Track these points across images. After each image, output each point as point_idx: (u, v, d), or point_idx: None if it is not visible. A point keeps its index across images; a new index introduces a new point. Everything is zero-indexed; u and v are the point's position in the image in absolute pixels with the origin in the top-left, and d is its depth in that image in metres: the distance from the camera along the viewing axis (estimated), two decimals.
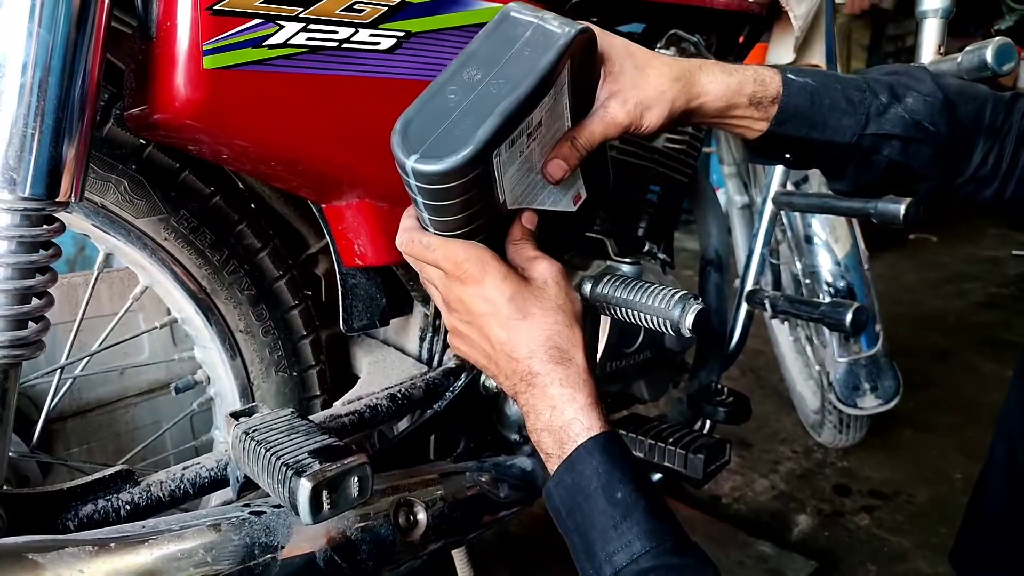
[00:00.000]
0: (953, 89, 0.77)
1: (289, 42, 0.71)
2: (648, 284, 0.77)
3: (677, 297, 0.74)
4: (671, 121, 0.73)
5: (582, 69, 0.68)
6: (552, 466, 0.68)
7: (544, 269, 0.71)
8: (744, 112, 0.75)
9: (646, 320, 0.78)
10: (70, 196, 0.64)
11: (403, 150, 0.60)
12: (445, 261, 0.68)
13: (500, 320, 0.68)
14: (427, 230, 0.70)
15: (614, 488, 0.63)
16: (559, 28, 0.63)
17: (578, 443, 0.65)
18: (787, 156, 0.82)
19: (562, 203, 0.76)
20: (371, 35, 0.77)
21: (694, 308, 0.73)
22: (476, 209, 0.66)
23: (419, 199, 0.65)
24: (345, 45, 0.75)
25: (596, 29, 0.70)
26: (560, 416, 0.66)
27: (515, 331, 0.68)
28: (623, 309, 0.79)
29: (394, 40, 0.78)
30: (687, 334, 0.74)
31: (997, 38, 0.96)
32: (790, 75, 0.75)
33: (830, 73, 0.78)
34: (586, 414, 0.66)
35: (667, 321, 0.76)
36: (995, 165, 0.78)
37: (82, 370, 1.05)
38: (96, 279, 0.96)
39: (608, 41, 0.71)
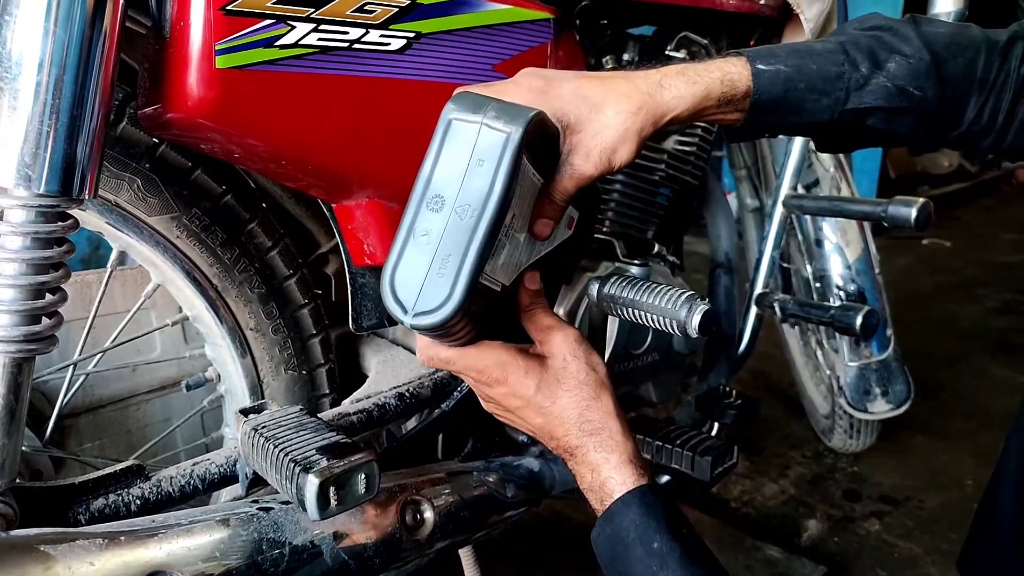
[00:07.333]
0: (942, 41, 0.74)
1: (300, 42, 0.72)
2: (655, 284, 0.77)
3: (684, 298, 0.74)
4: (644, 144, 0.72)
5: (540, 139, 0.65)
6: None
7: (560, 342, 0.73)
8: (716, 110, 0.73)
9: (653, 320, 0.78)
10: (84, 193, 0.65)
11: (397, 309, 0.60)
12: (468, 371, 0.72)
13: (533, 409, 0.72)
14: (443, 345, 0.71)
15: (650, 538, 0.66)
16: (505, 127, 0.59)
17: (615, 497, 0.69)
18: (767, 135, 0.82)
19: (559, 237, 0.75)
20: (381, 36, 0.77)
21: (701, 309, 0.73)
22: (482, 314, 0.67)
23: (427, 336, 0.67)
24: (356, 46, 0.76)
25: (541, 79, 0.67)
26: (599, 475, 0.70)
27: (548, 416, 0.72)
28: (630, 309, 0.79)
29: (404, 41, 0.79)
30: (693, 335, 0.74)
31: (1013, 24, 0.95)
32: (760, 65, 0.72)
33: (806, 50, 0.74)
34: (620, 471, 0.70)
35: (674, 321, 0.76)
36: (991, 118, 0.76)
37: (95, 366, 1.06)
38: (109, 276, 0.97)
39: (556, 94, 0.67)
